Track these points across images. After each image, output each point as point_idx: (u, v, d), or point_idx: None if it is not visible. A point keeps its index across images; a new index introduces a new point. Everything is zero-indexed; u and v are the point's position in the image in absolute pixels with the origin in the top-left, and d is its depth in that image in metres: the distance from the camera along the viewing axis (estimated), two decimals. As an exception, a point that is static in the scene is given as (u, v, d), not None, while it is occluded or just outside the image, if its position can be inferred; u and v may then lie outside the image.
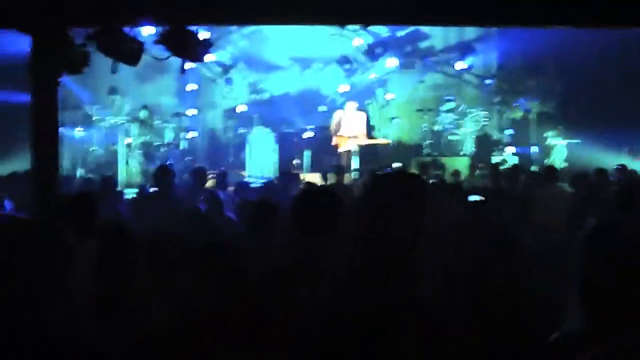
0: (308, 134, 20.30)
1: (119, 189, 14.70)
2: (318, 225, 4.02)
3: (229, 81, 22.41)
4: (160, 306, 3.51)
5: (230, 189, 13.32)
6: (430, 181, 13.02)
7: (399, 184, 3.07)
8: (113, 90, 20.76)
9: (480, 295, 4.38)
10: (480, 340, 3.05)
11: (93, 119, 20.20)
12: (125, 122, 19.91)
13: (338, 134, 19.75)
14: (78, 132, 20.76)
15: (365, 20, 9.72)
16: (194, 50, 8.39)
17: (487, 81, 22.40)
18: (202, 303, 3.40)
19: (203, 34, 13.39)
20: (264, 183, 13.89)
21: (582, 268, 2.85)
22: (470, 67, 22.09)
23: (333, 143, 19.78)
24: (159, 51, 8.51)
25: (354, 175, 18.22)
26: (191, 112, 21.45)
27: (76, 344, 3.26)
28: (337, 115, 19.93)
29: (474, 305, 4.20)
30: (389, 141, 21.68)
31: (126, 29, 8.17)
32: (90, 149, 20.33)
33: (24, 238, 3.26)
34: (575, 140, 20.43)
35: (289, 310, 3.20)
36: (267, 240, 6.25)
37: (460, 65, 21.92)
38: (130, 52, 8.24)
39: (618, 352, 2.25)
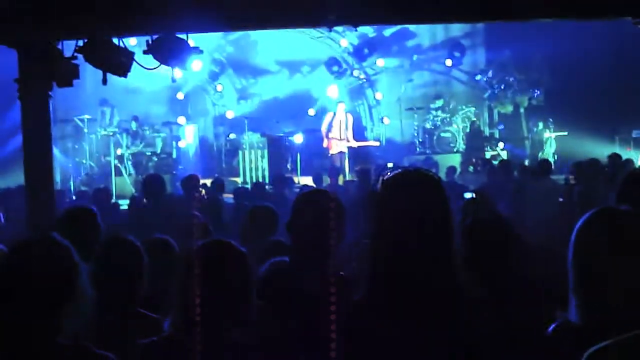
0: (299, 137, 20.30)
1: (113, 200, 14.67)
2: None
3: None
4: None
5: (226, 195, 13.34)
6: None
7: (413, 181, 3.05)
8: (104, 102, 20.71)
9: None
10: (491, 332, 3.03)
11: (84, 131, 20.13)
12: (116, 133, 19.87)
13: (329, 136, 19.75)
14: (69, 145, 20.75)
15: (353, 22, 9.71)
16: (183, 58, 8.37)
17: (477, 77, 22.44)
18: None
19: (191, 42, 13.39)
20: (259, 188, 13.86)
21: (580, 260, 2.85)
22: (458, 64, 22.14)
23: (325, 145, 19.76)
24: (149, 61, 8.50)
25: (348, 176, 18.25)
26: (181, 120, 21.43)
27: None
28: (327, 117, 19.92)
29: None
30: (379, 142, 21.71)
31: (115, 40, 8.17)
32: (83, 161, 20.28)
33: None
34: (564, 133, 20.50)
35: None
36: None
37: (448, 62, 21.98)
38: (120, 63, 8.23)
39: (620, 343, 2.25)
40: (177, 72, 9.34)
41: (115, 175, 18.63)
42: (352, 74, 22.63)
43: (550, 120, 20.83)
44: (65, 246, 3.43)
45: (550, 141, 20.60)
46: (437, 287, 2.90)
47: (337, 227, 4.08)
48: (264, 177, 18.96)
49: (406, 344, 2.85)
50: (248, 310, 3.44)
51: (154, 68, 8.68)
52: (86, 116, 19.97)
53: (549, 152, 20.28)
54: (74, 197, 15.18)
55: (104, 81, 8.34)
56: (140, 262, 4.62)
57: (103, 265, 4.43)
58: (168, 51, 8.14)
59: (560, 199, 11.10)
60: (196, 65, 16.66)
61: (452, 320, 2.89)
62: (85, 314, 3.49)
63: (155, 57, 8.27)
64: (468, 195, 8.49)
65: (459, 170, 18.11)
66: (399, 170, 3.05)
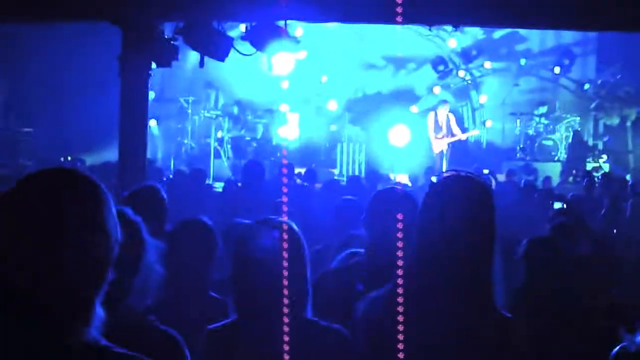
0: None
1: (208, 181, 14.88)
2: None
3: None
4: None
5: (318, 185, 13.36)
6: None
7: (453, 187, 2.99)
8: (209, 85, 20.99)
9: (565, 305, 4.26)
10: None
11: (188, 111, 20.48)
12: (218, 116, 20.14)
13: (432, 135, 19.59)
14: (172, 124, 21.14)
15: (458, 22, 9.62)
16: (280, 46, 8.41)
17: (585, 86, 21.93)
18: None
19: (297, 31, 13.44)
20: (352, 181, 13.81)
21: None
22: (567, 71, 21.67)
23: (431, 144, 19.60)
24: (247, 47, 8.57)
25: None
26: (284, 107, 21.51)
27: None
28: (430, 119, 19.76)
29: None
30: (478, 131, 21.39)
31: (215, 24, 8.26)
32: (184, 141, 20.62)
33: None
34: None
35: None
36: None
37: (557, 69, 21.53)
38: (219, 47, 8.33)
39: None
40: (282, 62, 9.36)
41: (214, 158, 18.88)
42: (457, 74, 22.39)
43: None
44: (133, 222, 3.47)
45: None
46: (463, 297, 2.84)
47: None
48: (360, 171, 18.95)
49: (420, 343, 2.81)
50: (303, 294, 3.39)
51: (251, 54, 8.74)
52: (191, 97, 20.32)
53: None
54: (170, 176, 15.43)
55: (201, 64, 8.46)
56: (214, 246, 4.65)
57: (176, 245, 4.46)
58: (265, 39, 8.18)
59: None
60: (301, 54, 16.72)
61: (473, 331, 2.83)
62: (152, 291, 3.53)
63: (252, 44, 8.35)
64: (557, 205, 8.30)
65: (558, 180, 17.76)
66: (450, 174, 3.00)
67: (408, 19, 8.15)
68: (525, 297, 4.07)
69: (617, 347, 2.87)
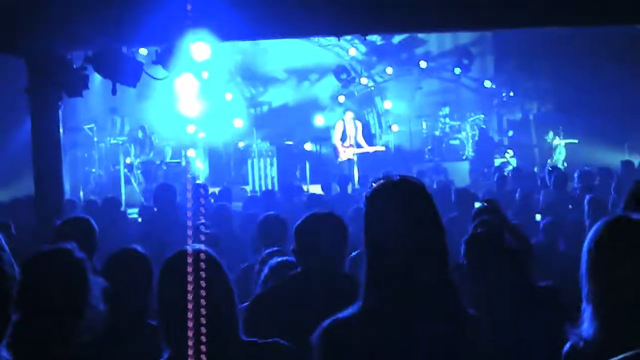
0: (308, 145, 20.29)
1: (122, 209, 14.66)
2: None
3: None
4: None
5: (236, 203, 13.31)
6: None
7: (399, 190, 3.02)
8: (113, 111, 20.72)
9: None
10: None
11: (94, 139, 20.16)
12: (125, 142, 19.90)
13: (338, 143, 19.77)
14: (79, 153, 20.77)
15: (362, 31, 9.71)
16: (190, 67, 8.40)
17: (487, 84, 22.38)
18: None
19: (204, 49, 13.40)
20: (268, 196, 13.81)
21: (598, 269, 2.79)
22: (467, 71, 22.08)
23: (334, 153, 19.80)
24: (157, 70, 8.52)
25: (357, 185, 18.20)
26: (190, 129, 21.37)
27: None
28: (338, 127, 19.93)
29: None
30: (384, 147, 21.64)
31: (124, 50, 8.19)
32: (92, 170, 20.30)
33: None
34: (574, 140, 20.43)
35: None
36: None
37: (457, 70, 21.92)
38: (129, 73, 8.25)
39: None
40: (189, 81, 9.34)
41: (125, 184, 18.63)
42: (360, 82, 22.61)
43: (561, 127, 20.73)
44: (79, 260, 3.40)
45: (560, 148, 20.52)
46: (430, 298, 2.87)
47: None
48: (273, 185, 18.97)
49: (405, 351, 2.83)
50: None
51: (163, 78, 8.69)
52: (95, 125, 20.01)
53: (558, 159, 20.21)
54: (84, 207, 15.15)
55: (114, 91, 8.36)
56: (150, 274, 4.58)
57: (113, 278, 4.37)
58: (172, 60, 8.15)
59: (570, 206, 11.08)
60: (203, 74, 16.65)
61: (448, 331, 2.87)
62: (96, 329, 3.46)
63: (163, 67, 8.30)
64: (477, 204, 8.45)
65: (468, 179, 18.09)
66: (385, 179, 3.03)
67: (316, 32, 8.23)
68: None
69: (567, 346, 2.89)
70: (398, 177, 3.03)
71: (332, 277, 4.32)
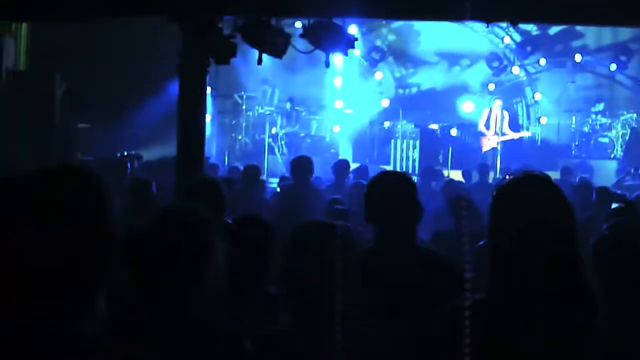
0: (453, 131, 20.11)
1: (262, 177, 14.92)
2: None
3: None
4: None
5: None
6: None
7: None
8: (265, 81, 21.09)
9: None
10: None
11: (242, 108, 20.59)
12: (272, 112, 20.24)
13: (483, 131, 19.55)
14: (227, 120, 21.27)
15: (516, 19, 9.53)
16: (339, 44, 8.43)
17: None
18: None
19: (350, 28, 13.47)
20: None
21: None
22: (623, 68, 21.33)
23: (479, 141, 19.58)
24: (305, 44, 8.61)
25: (498, 174, 17.94)
26: (338, 104, 21.52)
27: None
28: (484, 114, 19.71)
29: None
30: (530, 133, 21.23)
31: (273, 21, 8.30)
32: (239, 138, 20.75)
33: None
34: None
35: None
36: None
37: (613, 66, 21.21)
38: (276, 45, 8.37)
39: None
40: (335, 57, 9.39)
41: (268, 154, 18.98)
42: (511, 71, 22.22)
43: None
44: (204, 220, 3.47)
45: None
46: (557, 291, 2.83)
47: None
48: (413, 167, 18.92)
49: (526, 343, 2.79)
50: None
51: (309, 52, 8.77)
52: (245, 94, 20.43)
53: None
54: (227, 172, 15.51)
55: (259, 61, 8.49)
56: (272, 244, 4.63)
57: (235, 243, 4.45)
58: (323, 36, 8.20)
59: None
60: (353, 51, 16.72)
61: (572, 321, 2.83)
62: (216, 291, 3.53)
63: (310, 42, 8.37)
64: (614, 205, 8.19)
65: (614, 178, 17.51)
66: (518, 174, 2.99)
67: (466, 16, 8.13)
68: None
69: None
70: (531, 175, 2.98)
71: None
